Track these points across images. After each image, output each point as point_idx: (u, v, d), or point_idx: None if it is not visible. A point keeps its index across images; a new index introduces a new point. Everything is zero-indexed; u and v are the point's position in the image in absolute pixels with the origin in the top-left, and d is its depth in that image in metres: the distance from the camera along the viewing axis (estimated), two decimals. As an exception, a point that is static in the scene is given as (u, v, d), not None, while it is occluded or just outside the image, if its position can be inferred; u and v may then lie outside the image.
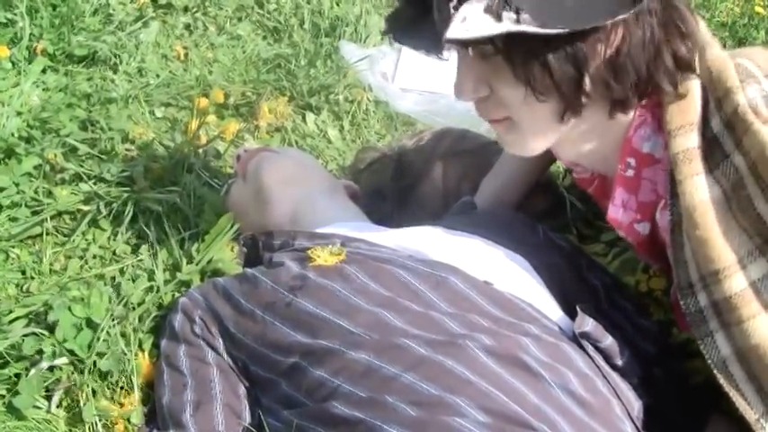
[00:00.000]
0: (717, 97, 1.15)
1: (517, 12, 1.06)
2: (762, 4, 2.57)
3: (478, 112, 1.25)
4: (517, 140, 1.26)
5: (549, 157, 1.62)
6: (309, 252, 1.31)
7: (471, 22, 1.07)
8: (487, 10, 1.07)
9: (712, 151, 1.14)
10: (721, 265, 1.10)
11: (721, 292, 1.11)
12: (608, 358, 1.21)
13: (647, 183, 1.26)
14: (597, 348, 1.21)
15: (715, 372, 1.13)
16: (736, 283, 1.10)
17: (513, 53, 1.12)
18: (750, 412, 1.11)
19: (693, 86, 1.18)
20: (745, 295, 1.09)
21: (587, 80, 1.14)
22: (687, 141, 1.15)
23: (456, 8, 1.08)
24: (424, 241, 1.37)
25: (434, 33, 1.12)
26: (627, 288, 1.42)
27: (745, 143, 1.10)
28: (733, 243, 1.11)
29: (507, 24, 1.06)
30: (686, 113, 1.16)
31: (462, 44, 1.14)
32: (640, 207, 1.28)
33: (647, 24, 1.13)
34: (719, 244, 1.11)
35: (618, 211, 1.30)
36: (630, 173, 1.27)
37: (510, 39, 1.08)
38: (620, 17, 1.08)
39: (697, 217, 1.12)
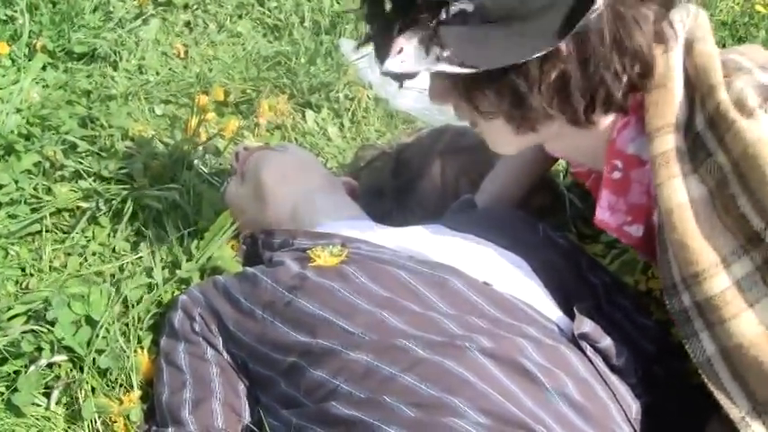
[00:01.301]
0: (701, 94, 1.14)
1: (442, 48, 1.09)
2: (762, 2, 2.56)
3: (455, 115, 1.28)
4: (489, 141, 1.29)
5: (551, 157, 1.62)
6: (310, 252, 1.31)
7: (406, 54, 1.11)
8: (421, 41, 1.10)
9: (696, 150, 1.13)
10: (701, 267, 1.10)
11: (702, 293, 1.11)
12: (607, 359, 1.21)
13: (636, 185, 1.25)
14: (596, 349, 1.21)
15: (700, 371, 1.14)
16: (717, 283, 1.10)
17: (454, 80, 1.15)
18: (735, 411, 1.11)
19: (675, 86, 1.16)
20: (725, 296, 1.09)
21: (531, 104, 1.14)
22: (664, 144, 1.15)
23: (393, 39, 1.11)
24: (424, 242, 1.37)
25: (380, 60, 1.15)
26: (626, 286, 1.41)
27: (728, 141, 1.09)
28: (716, 243, 1.10)
29: (432, 60, 1.09)
30: (664, 115, 1.16)
31: (398, 77, 1.16)
32: (631, 209, 1.27)
33: (584, 50, 1.11)
34: (698, 246, 1.11)
35: (605, 213, 1.29)
36: (617, 175, 1.26)
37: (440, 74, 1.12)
38: (543, 52, 1.08)
39: (674, 220, 1.12)
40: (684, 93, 1.16)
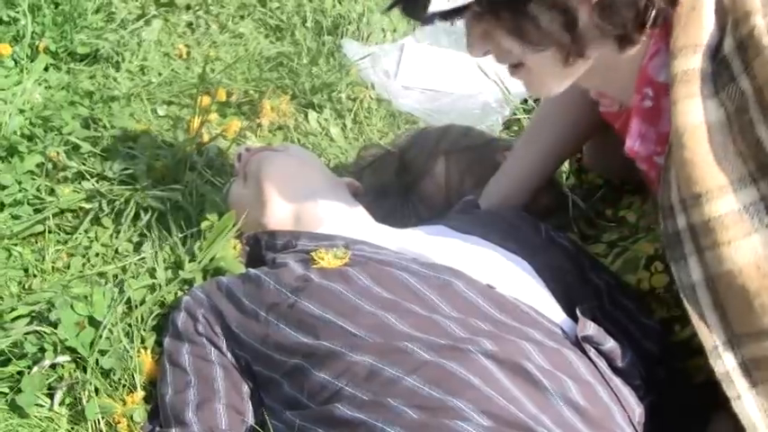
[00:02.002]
0: (735, 18, 1.13)
1: None
2: None
3: (496, 60, 1.26)
4: (534, 83, 1.27)
5: (556, 160, 1.62)
6: (313, 254, 1.31)
7: None
8: None
9: (720, 73, 1.13)
10: (704, 188, 1.10)
11: (700, 215, 1.10)
12: (610, 361, 1.21)
13: (666, 114, 1.23)
14: (599, 351, 1.21)
15: (682, 296, 1.13)
16: (718, 207, 1.09)
17: (500, 12, 1.14)
18: (709, 339, 1.11)
19: (705, 8, 1.16)
20: (724, 220, 1.09)
21: (581, 25, 1.14)
22: (687, 63, 1.14)
23: None
24: (427, 244, 1.37)
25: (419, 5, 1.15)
26: (629, 287, 1.41)
27: (755, 67, 1.08)
28: (725, 167, 1.10)
29: None
30: (692, 35, 1.15)
31: (446, 16, 1.16)
32: (661, 139, 1.26)
33: None
34: (706, 166, 1.10)
35: (635, 143, 1.28)
36: (648, 103, 1.25)
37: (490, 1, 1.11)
38: None
39: (686, 139, 1.11)
40: (715, 18, 1.16)
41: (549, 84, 1.27)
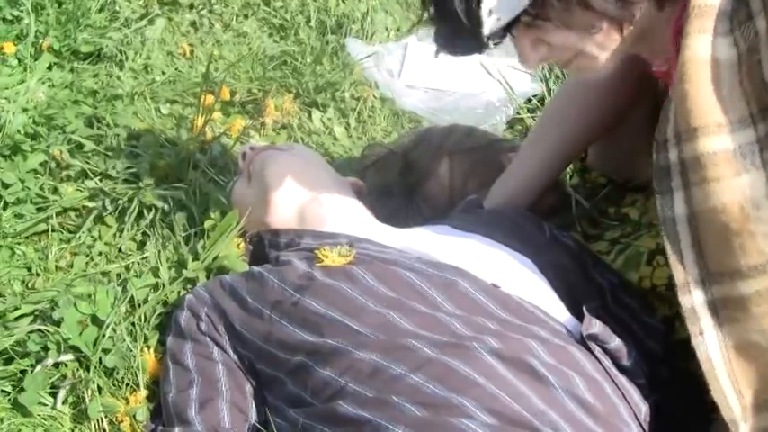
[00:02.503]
0: None
1: None
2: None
3: (554, 63, 1.28)
4: (591, 66, 1.25)
5: (563, 162, 1.62)
6: (317, 252, 1.31)
7: (497, 10, 1.12)
8: None
9: (738, 10, 1.12)
10: (702, 122, 1.09)
11: (693, 149, 1.10)
12: (615, 359, 1.21)
13: None
14: (605, 350, 1.20)
15: (662, 230, 1.14)
16: (712, 143, 1.09)
17: (549, 10, 1.14)
18: (682, 275, 1.12)
19: None
20: (716, 157, 1.08)
21: None
22: None
23: (478, 6, 1.12)
24: (431, 242, 1.37)
25: (473, 36, 1.16)
26: (632, 286, 1.41)
27: None
28: (727, 106, 1.09)
29: None
30: None
31: (503, 34, 1.17)
32: None
33: None
34: (707, 102, 1.10)
35: None
36: None
37: (537, 2, 1.12)
38: None
39: (689, 71, 1.11)
40: None
41: (606, 63, 1.25)
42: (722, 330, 1.11)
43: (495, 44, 1.19)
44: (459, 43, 1.21)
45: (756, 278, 1.08)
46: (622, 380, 1.19)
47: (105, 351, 1.39)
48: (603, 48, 1.21)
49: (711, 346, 1.11)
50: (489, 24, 1.13)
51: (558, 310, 1.27)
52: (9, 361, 1.39)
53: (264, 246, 1.47)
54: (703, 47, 1.11)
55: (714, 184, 1.08)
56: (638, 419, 1.16)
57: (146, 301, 1.46)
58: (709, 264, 1.10)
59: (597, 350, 1.19)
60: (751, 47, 1.09)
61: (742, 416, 1.11)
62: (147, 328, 1.44)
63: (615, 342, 1.21)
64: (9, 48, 2.05)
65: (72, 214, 1.71)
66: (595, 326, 1.21)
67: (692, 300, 1.11)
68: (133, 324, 1.43)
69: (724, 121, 1.09)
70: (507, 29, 1.17)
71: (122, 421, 1.33)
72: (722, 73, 1.10)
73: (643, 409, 1.18)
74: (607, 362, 1.19)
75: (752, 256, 1.07)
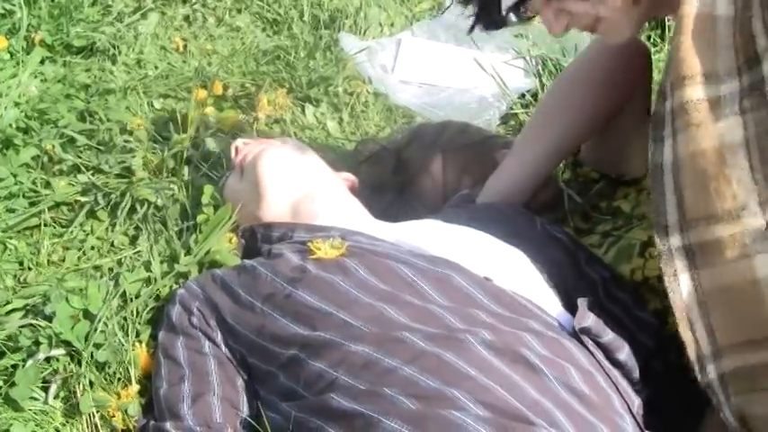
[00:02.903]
0: None
1: None
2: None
3: (576, 28, 1.31)
4: (613, 30, 1.30)
5: (558, 158, 1.62)
6: (310, 245, 1.31)
7: None
8: None
9: None
10: (692, 71, 1.13)
11: (681, 96, 1.13)
12: (608, 353, 1.21)
13: None
14: (597, 344, 1.21)
15: (649, 177, 1.17)
16: (699, 92, 1.12)
17: None
18: (662, 219, 1.14)
19: None
20: (700, 105, 1.12)
21: None
22: None
23: None
24: (424, 236, 1.37)
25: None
26: (624, 280, 1.41)
27: None
28: (717, 57, 1.13)
29: None
30: None
31: (518, 8, 1.24)
32: None
33: None
34: (699, 53, 1.13)
35: None
36: None
37: None
38: None
39: (685, 23, 1.14)
40: None
41: (626, 27, 1.30)
42: (697, 273, 1.13)
43: (518, 18, 1.25)
44: (483, 19, 1.27)
45: (730, 222, 1.10)
46: (616, 374, 1.19)
47: (97, 346, 1.38)
48: (622, 12, 1.25)
49: (684, 287, 1.13)
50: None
51: (550, 304, 1.27)
52: (0, 356, 1.39)
53: (257, 240, 1.47)
54: (703, 3, 1.15)
55: (695, 128, 1.12)
56: (631, 412, 1.16)
57: (138, 295, 1.46)
58: (688, 211, 1.13)
59: (590, 344, 1.20)
60: (746, 4, 1.12)
61: (712, 356, 1.13)
62: (139, 323, 1.43)
63: (608, 336, 1.21)
64: (1, 42, 2.05)
65: (64, 208, 1.71)
66: (588, 319, 1.21)
67: (669, 242, 1.14)
68: (125, 318, 1.43)
69: (712, 72, 1.12)
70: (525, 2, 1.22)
71: (114, 416, 1.33)
72: (718, 27, 1.14)
73: (636, 402, 1.18)
74: (600, 355, 1.19)
75: (726, 201, 1.10)
